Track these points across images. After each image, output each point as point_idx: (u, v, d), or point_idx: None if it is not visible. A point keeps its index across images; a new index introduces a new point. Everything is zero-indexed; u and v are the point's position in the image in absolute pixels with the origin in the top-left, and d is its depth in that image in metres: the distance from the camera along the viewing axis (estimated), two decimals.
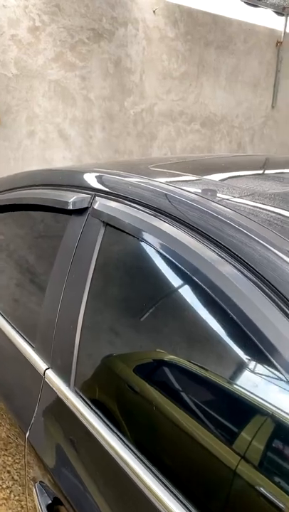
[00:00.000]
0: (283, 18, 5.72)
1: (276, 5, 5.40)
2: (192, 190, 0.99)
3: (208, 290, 0.74)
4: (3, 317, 1.34)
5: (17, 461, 1.20)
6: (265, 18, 5.55)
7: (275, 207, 0.91)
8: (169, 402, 0.78)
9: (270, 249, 0.73)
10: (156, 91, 4.63)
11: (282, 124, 6.30)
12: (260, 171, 1.34)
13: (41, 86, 3.78)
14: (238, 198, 0.97)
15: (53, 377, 1.04)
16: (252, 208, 0.88)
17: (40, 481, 1.00)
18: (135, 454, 0.80)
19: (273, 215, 0.86)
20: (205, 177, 1.18)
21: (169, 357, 0.82)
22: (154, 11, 4.39)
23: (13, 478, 1.21)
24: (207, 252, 0.78)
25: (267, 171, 1.34)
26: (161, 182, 1.08)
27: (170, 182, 1.08)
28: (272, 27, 5.73)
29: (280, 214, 0.87)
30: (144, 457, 0.79)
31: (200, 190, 1.01)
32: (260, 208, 0.89)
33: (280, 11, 5.60)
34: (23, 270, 1.38)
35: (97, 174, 1.22)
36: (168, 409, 0.78)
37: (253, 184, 1.12)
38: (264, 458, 0.60)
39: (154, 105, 4.66)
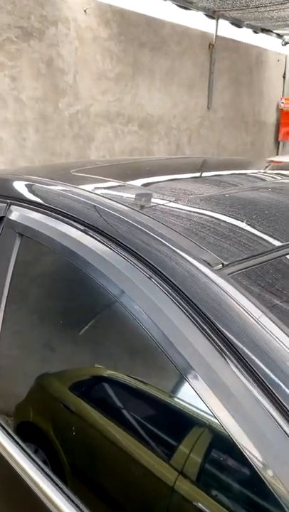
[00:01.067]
0: (214, 21, 5.85)
1: (207, 8, 5.51)
2: (112, 196, 0.94)
3: (125, 305, 0.70)
4: None
5: None
6: (197, 20, 5.64)
7: (196, 211, 0.89)
8: (100, 419, 0.74)
9: (189, 261, 0.69)
10: (91, 92, 4.55)
11: (217, 125, 6.45)
12: (186, 174, 1.32)
13: None
14: (157, 203, 0.93)
15: None
16: (169, 214, 0.85)
17: None
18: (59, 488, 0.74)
19: (195, 220, 0.83)
20: (128, 182, 1.14)
21: (96, 371, 0.78)
22: (85, 11, 4.31)
23: None
24: (118, 259, 0.74)
25: (193, 174, 1.32)
26: (81, 189, 1.02)
27: (92, 189, 1.03)
28: (204, 29, 5.84)
29: (202, 219, 0.84)
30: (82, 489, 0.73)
31: (120, 197, 0.96)
32: (174, 214, 0.86)
33: (211, 14, 5.72)
34: None
35: (13, 181, 1.14)
36: (102, 427, 0.73)
37: (176, 187, 1.09)
38: (201, 471, 0.59)
39: (90, 106, 4.58)
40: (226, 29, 6.15)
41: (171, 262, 0.69)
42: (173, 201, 0.95)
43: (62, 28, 4.14)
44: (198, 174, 1.35)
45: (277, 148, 7.99)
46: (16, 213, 0.99)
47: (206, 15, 5.67)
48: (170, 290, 0.66)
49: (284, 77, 7.75)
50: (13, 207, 1.01)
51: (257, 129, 7.33)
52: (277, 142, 7.96)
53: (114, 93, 4.80)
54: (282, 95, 7.73)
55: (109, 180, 1.13)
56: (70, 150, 4.49)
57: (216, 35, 5.95)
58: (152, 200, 0.96)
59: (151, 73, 5.20)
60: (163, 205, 0.92)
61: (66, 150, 4.44)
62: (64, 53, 4.21)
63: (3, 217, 1.02)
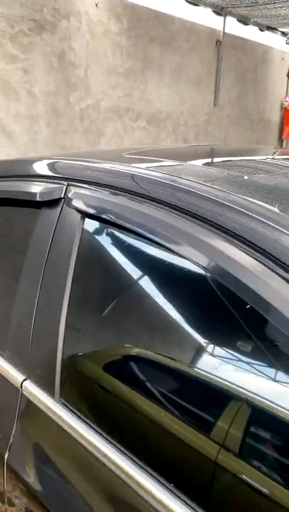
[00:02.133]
0: (222, 17, 5.83)
1: (215, 4, 5.49)
2: (181, 174, 0.91)
3: (214, 279, 0.67)
4: None
5: None
6: (205, 17, 5.63)
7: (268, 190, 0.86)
8: (164, 403, 0.72)
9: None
10: (101, 86, 4.52)
11: (223, 122, 6.44)
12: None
13: None
14: (219, 180, 0.90)
15: (32, 389, 0.92)
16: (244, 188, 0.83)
17: (26, 508, 0.88)
18: (138, 465, 0.71)
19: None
20: (186, 162, 1.12)
21: (171, 358, 0.75)
22: (96, 4, 4.28)
23: None
24: (204, 236, 0.71)
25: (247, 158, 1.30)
26: (142, 168, 1.00)
27: (154, 168, 1.00)
28: (212, 26, 5.83)
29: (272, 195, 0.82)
30: (147, 466, 0.70)
31: (189, 174, 0.94)
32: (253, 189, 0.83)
33: (219, 11, 5.70)
34: None
35: (70, 162, 1.11)
36: (164, 411, 0.71)
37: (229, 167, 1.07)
38: (243, 444, 0.60)
39: (100, 101, 4.54)
40: (232, 26, 6.14)
41: (276, 243, 0.66)
42: (243, 177, 0.93)
43: (74, 22, 4.11)
44: (241, 158, 1.32)
45: (281, 146, 8.00)
46: (78, 193, 0.96)
47: (214, 11, 5.66)
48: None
49: (288, 76, 7.75)
50: (73, 188, 0.98)
51: (261, 127, 7.33)
52: (281, 140, 7.96)
53: (124, 88, 4.78)
54: (286, 94, 7.73)
55: (169, 161, 1.10)
56: (81, 145, 4.45)
57: (224, 32, 5.94)
58: (216, 177, 0.94)
59: (160, 69, 5.17)
60: (230, 179, 0.90)
61: (77, 145, 4.40)
62: (76, 47, 4.17)
63: (61, 198, 0.99)
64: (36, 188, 1.03)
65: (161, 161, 1.08)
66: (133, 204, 0.84)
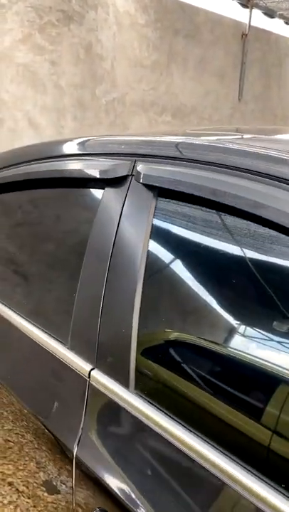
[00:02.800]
0: (248, 10, 5.72)
1: None
2: (265, 146, 0.82)
3: None
4: (18, 314, 1.11)
5: (21, 467, 0.99)
6: (230, 9, 5.52)
7: None
8: (250, 393, 0.68)
9: None
10: (127, 79, 4.45)
11: (248, 117, 6.32)
12: None
13: (9, 70, 3.49)
14: None
15: (103, 379, 0.85)
16: None
17: (100, 508, 0.81)
18: (225, 454, 0.65)
19: None
20: (260, 135, 1.04)
21: (259, 349, 0.67)
22: None
23: (17, 490, 1.00)
24: None
25: None
26: (217, 140, 0.92)
27: (227, 139, 0.92)
28: (237, 19, 5.72)
29: None
30: (234, 455, 0.64)
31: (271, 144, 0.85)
32: None
33: (245, 3, 5.59)
34: (37, 259, 1.17)
35: (133, 138, 1.03)
36: (250, 400, 0.67)
37: None
38: None
39: (125, 94, 4.48)
40: (257, 19, 6.02)
41: None
42: None
43: (101, 13, 4.05)
44: None
45: None
46: (150, 168, 0.88)
47: (240, 3, 5.55)
48: None
49: None
50: (142, 163, 0.90)
51: (284, 122, 7.19)
52: None
53: (150, 82, 4.70)
54: None
55: (245, 134, 1.02)
56: None
57: (249, 25, 5.82)
58: None
59: (184, 62, 5.09)
60: None
61: None
62: (103, 38, 4.11)
63: (128, 175, 0.91)
64: (98, 166, 0.96)
65: (235, 135, 1.00)
66: (222, 177, 0.76)
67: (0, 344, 1.16)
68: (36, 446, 0.96)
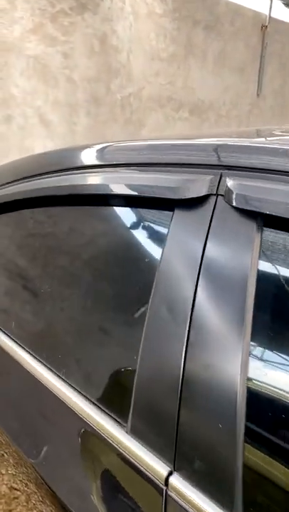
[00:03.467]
0: (268, 0, 5.41)
1: None
2: None
3: None
4: (57, 375, 0.83)
5: None
6: None
7: None
8: None
9: None
10: (144, 73, 4.17)
11: (266, 113, 6.02)
12: None
13: (18, 62, 3.22)
14: None
15: (189, 492, 0.58)
16: None
17: None
18: None
19: None
20: None
21: None
22: None
23: None
24: None
25: None
26: None
27: None
28: (257, 10, 5.41)
29: None
30: None
31: None
32: None
33: None
34: (74, 313, 0.88)
35: (212, 140, 0.75)
36: None
37: None
38: None
39: (142, 89, 4.19)
40: (277, 10, 5.71)
41: None
42: None
43: (117, 1, 3.76)
44: None
45: None
46: (242, 185, 0.61)
47: None
48: None
49: None
50: (232, 179, 0.62)
51: None
52: None
53: (167, 75, 4.41)
54: None
55: None
56: (121, 137, 4.11)
57: (270, 16, 5.51)
58: None
59: (203, 54, 4.79)
60: None
61: (117, 136, 4.07)
62: (118, 29, 3.83)
63: (212, 194, 0.64)
64: (165, 181, 0.69)
65: None
66: None
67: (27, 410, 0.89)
68: None
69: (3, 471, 0.97)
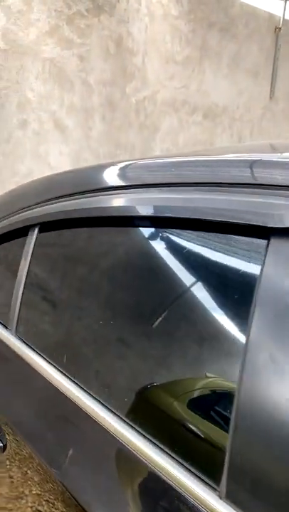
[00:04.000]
0: (282, 2, 5.31)
1: None
2: None
3: None
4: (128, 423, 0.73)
5: None
6: (265, 0, 5.11)
7: None
8: None
9: None
10: (158, 76, 4.07)
11: (279, 117, 5.92)
12: None
13: (34, 66, 3.12)
14: None
15: None
16: None
17: None
18: None
19: None
20: None
21: None
22: None
23: None
24: None
25: None
26: None
27: None
28: (271, 11, 5.31)
29: None
30: None
31: None
32: None
33: None
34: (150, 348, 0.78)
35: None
36: None
37: None
38: None
39: (156, 93, 4.09)
40: None
41: None
42: None
43: (133, 2, 3.66)
44: None
45: None
46: None
47: None
48: None
49: None
50: None
51: None
52: None
53: (182, 79, 4.31)
54: None
55: None
56: (136, 142, 4.01)
57: (283, 18, 5.41)
58: None
59: (218, 57, 4.69)
60: None
61: (131, 142, 3.97)
62: (134, 31, 3.73)
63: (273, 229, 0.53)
64: (256, 205, 0.59)
65: None
66: None
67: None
68: None
69: (27, 492, 0.88)
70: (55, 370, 0.84)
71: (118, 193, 0.82)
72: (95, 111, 3.58)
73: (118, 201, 0.81)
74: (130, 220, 0.79)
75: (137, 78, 3.86)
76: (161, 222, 0.74)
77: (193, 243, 0.71)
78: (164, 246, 0.75)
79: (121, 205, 0.81)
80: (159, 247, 0.76)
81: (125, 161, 0.90)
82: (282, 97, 5.88)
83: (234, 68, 4.95)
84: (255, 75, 5.30)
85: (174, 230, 0.73)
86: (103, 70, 3.57)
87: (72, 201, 0.90)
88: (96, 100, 3.57)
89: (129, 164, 0.89)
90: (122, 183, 0.86)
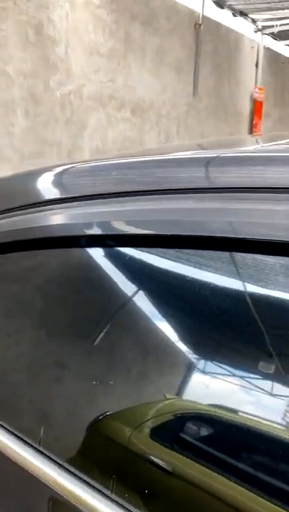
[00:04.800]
0: None
1: None
2: None
3: None
4: None
5: None
6: None
7: None
8: None
9: None
10: (83, 69, 3.80)
11: (202, 114, 5.94)
12: None
13: None
14: None
15: None
16: None
17: None
18: None
19: None
20: None
21: None
22: None
23: None
24: None
25: None
26: None
27: None
28: (190, 7, 5.28)
29: None
30: None
31: None
32: None
33: None
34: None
35: None
36: None
37: None
38: None
39: (82, 86, 3.82)
40: (208, 9, 5.64)
41: None
42: None
43: None
44: None
45: None
46: None
47: None
48: None
49: (256, 66, 7.42)
50: None
51: (235, 119, 6.95)
52: (251, 133, 7.64)
53: (107, 72, 4.08)
54: (255, 85, 7.40)
55: None
56: (62, 139, 3.71)
57: (203, 15, 5.42)
58: None
59: (142, 51, 4.53)
60: None
61: (58, 139, 3.65)
62: (55, 18, 3.42)
63: None
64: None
65: None
66: None
67: None
68: None
69: None
70: None
71: (54, 208, 0.61)
72: (17, 105, 3.22)
73: (54, 219, 0.60)
74: (61, 241, 0.58)
75: (60, 70, 3.56)
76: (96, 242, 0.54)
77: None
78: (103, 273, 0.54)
79: (58, 223, 0.59)
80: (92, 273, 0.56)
81: (59, 165, 0.68)
82: (205, 94, 5.90)
83: (158, 63, 4.83)
84: (179, 71, 5.24)
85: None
86: (23, 60, 3.22)
87: None
88: (17, 93, 3.21)
89: (66, 170, 0.67)
90: (59, 196, 0.63)
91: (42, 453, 0.51)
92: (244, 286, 0.44)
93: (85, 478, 0.46)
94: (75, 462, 0.49)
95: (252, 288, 0.44)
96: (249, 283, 0.44)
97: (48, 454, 0.50)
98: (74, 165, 0.66)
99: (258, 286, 0.44)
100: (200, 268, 0.48)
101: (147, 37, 4.56)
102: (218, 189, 0.47)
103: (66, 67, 3.61)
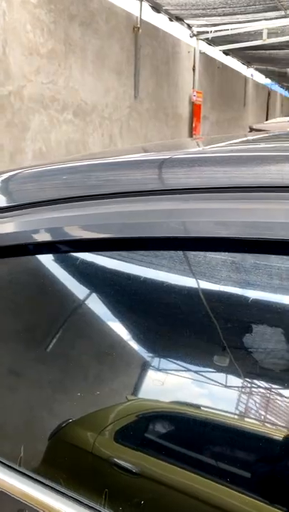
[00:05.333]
0: (138, 1, 5.35)
1: None
2: None
3: None
4: None
5: None
6: None
7: None
8: None
9: None
10: (23, 69, 3.68)
11: (144, 116, 5.99)
12: None
13: None
14: None
15: None
16: None
17: None
18: None
19: None
20: None
21: None
22: None
23: None
24: None
25: None
26: None
27: None
28: (128, 10, 5.30)
29: None
30: None
31: None
32: None
33: None
34: None
35: None
36: None
37: None
38: None
39: (22, 88, 3.69)
40: (146, 13, 5.71)
41: None
42: None
43: None
44: None
45: None
46: None
47: None
48: None
49: (193, 70, 7.62)
50: None
51: (175, 122, 7.08)
52: (191, 136, 7.83)
53: (48, 74, 3.98)
54: (193, 88, 7.60)
55: None
56: (4, 142, 3.56)
57: (141, 18, 5.46)
58: None
59: (82, 53, 4.48)
60: None
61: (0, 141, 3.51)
62: None
63: None
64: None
65: None
66: None
67: None
68: None
69: None
70: None
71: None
72: None
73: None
74: (10, 250, 0.56)
75: None
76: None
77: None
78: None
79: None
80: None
81: (3, 172, 0.65)
82: (145, 97, 5.95)
83: (99, 65, 4.80)
84: (119, 74, 5.24)
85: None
86: None
87: None
88: None
89: (11, 177, 0.65)
90: (5, 204, 0.61)
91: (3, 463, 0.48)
92: (196, 283, 0.45)
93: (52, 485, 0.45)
94: (40, 472, 0.47)
95: (201, 285, 0.45)
96: (199, 279, 0.45)
97: (9, 464, 0.48)
98: (20, 171, 0.63)
99: (208, 282, 0.45)
100: (151, 268, 0.48)
101: (87, 38, 4.52)
102: (167, 191, 0.47)
103: (4, 67, 3.48)
